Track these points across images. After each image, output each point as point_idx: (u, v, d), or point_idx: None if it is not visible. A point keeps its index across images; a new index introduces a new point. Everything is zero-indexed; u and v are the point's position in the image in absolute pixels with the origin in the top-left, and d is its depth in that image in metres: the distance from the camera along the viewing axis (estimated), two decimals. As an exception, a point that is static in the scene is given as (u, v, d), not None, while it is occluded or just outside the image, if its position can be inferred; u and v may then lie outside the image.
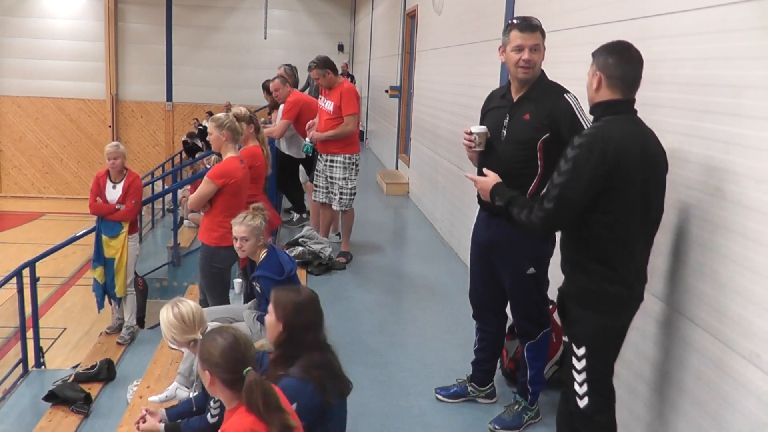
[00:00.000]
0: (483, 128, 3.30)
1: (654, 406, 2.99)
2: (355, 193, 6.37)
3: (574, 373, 2.72)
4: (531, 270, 3.33)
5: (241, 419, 2.30)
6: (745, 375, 2.39)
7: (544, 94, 3.18)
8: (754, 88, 2.40)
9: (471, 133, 3.28)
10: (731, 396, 2.46)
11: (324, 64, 6.16)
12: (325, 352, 2.84)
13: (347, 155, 6.23)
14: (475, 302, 3.72)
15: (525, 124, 3.18)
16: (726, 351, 2.49)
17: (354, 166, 6.30)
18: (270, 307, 2.87)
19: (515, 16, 3.24)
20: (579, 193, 2.53)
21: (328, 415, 2.75)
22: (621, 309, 2.68)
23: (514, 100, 3.25)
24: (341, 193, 6.27)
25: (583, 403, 2.70)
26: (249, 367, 2.32)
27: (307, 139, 6.41)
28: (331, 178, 6.29)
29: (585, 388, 2.69)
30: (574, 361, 2.71)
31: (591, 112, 2.71)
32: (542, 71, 3.22)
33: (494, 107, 3.39)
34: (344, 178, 6.25)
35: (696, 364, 2.68)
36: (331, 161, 6.26)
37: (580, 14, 3.96)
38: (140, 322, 6.33)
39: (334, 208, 6.40)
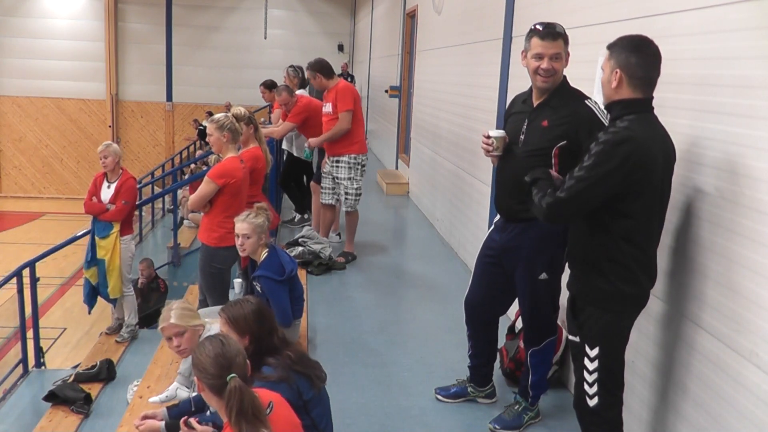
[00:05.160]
0: (501, 132, 3.28)
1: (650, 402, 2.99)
2: (360, 194, 6.36)
3: (585, 374, 2.72)
4: (543, 275, 3.29)
5: None
6: (745, 374, 2.39)
7: (564, 101, 3.13)
8: (754, 88, 2.40)
9: (489, 137, 3.26)
10: (728, 393, 2.46)
11: (314, 67, 6.17)
12: (292, 347, 2.92)
13: (352, 155, 6.23)
14: (470, 309, 3.66)
15: (542, 131, 3.14)
16: (726, 351, 2.49)
17: (359, 167, 6.29)
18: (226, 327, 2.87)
19: (538, 21, 3.11)
20: (593, 191, 2.50)
21: (309, 407, 2.79)
22: (634, 309, 2.70)
23: (534, 106, 3.21)
24: (346, 194, 6.27)
25: (593, 402, 2.71)
26: (233, 374, 2.28)
27: (306, 145, 6.47)
28: (337, 178, 6.30)
29: (595, 388, 2.70)
30: (586, 361, 2.70)
31: (607, 109, 2.67)
32: (564, 77, 3.16)
33: (515, 112, 3.36)
34: (349, 179, 6.25)
35: (698, 366, 2.68)
36: (337, 161, 6.27)
37: (580, 14, 3.95)
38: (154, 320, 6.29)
39: (342, 209, 6.39)
